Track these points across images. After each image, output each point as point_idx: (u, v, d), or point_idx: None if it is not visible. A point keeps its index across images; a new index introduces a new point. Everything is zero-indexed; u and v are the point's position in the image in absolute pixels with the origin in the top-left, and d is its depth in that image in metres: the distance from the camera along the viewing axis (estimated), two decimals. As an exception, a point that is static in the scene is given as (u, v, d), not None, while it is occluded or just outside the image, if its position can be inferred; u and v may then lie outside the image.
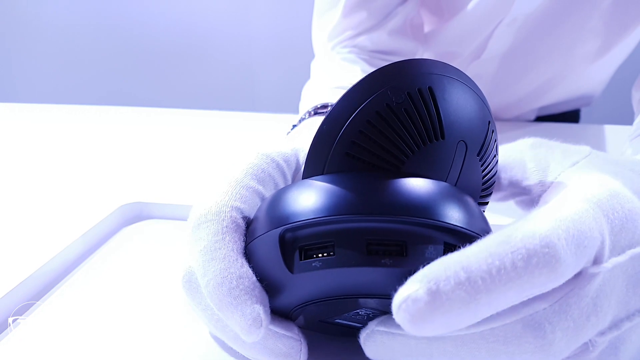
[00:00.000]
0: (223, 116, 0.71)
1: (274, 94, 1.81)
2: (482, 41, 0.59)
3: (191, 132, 0.63)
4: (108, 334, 0.26)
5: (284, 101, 1.40)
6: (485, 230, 0.19)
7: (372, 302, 0.19)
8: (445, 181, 0.20)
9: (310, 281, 0.18)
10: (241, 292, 0.19)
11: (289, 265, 0.18)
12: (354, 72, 0.52)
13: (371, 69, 0.54)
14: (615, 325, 0.19)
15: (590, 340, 0.18)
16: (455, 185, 0.21)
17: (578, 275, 0.18)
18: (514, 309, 0.17)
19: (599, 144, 0.56)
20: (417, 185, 0.18)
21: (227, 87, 1.83)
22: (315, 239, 0.18)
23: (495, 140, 0.23)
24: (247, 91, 1.83)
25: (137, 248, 0.35)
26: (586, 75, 0.63)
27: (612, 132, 0.59)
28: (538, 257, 0.16)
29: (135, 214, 0.40)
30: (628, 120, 0.50)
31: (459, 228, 0.18)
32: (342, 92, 0.47)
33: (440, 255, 0.17)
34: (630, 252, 0.19)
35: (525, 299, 0.16)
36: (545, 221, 0.17)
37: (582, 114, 0.74)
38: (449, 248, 0.18)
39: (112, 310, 0.28)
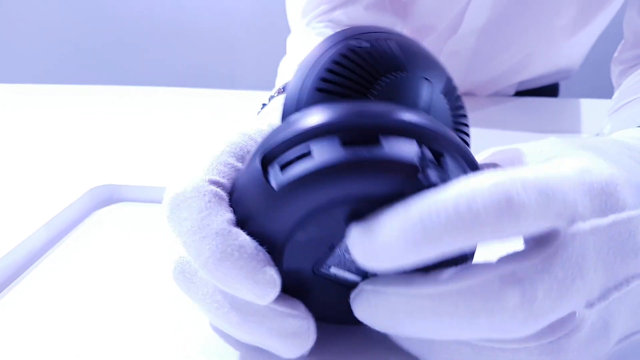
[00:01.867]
0: (200, 94, 0.70)
1: (253, 71, 1.78)
2: (458, 14, 0.58)
3: (166, 110, 0.61)
4: (79, 324, 0.25)
5: (263, 78, 1.38)
6: (454, 142, 0.19)
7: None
8: (419, 105, 0.23)
9: (295, 194, 0.18)
10: (247, 261, 0.18)
11: (272, 183, 0.18)
12: None
13: None
14: (603, 295, 0.18)
15: (578, 313, 0.18)
16: (429, 111, 0.23)
17: (557, 236, 0.17)
18: (491, 265, 0.17)
19: (576, 118, 0.56)
20: (385, 103, 0.20)
21: (205, 64, 1.80)
22: (291, 148, 0.19)
23: (459, 96, 0.25)
24: (225, 68, 1.80)
25: (109, 233, 0.34)
26: (565, 49, 0.63)
27: (590, 106, 0.60)
28: (484, 197, 0.16)
29: (106, 197, 0.39)
30: (606, 93, 0.50)
31: (429, 126, 0.19)
32: None
33: (415, 149, 0.18)
34: (612, 217, 0.18)
35: (480, 242, 0.16)
36: (505, 174, 0.17)
37: (561, 88, 0.74)
38: (421, 142, 0.18)
39: (83, 299, 0.27)
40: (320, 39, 0.53)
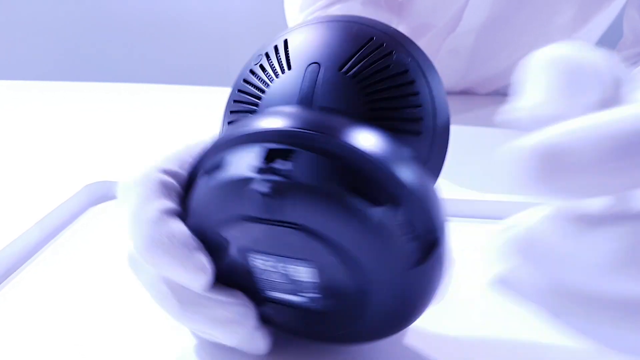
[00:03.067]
0: (195, 91, 0.69)
1: (250, 69, 1.77)
2: (457, 12, 0.58)
3: (163, 108, 0.61)
4: (73, 321, 0.25)
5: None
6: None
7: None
8: (298, 100, 0.21)
9: (208, 201, 0.19)
10: (177, 248, 0.19)
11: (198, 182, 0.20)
12: None
13: None
14: None
15: None
16: (312, 102, 0.21)
17: None
18: None
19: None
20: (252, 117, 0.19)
21: (202, 62, 1.79)
22: (209, 162, 0.19)
23: (389, 62, 0.22)
24: (222, 66, 1.80)
25: (104, 229, 0.34)
26: (564, 48, 0.63)
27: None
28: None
29: (102, 194, 0.39)
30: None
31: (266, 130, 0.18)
32: None
33: (250, 162, 0.17)
34: None
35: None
36: None
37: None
38: (269, 150, 0.18)
39: (77, 296, 0.27)
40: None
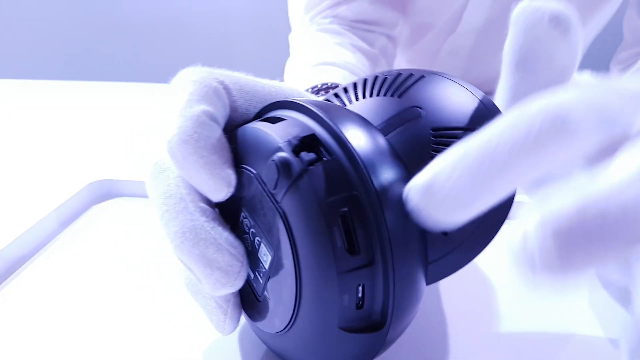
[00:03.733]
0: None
1: (250, 69, 1.77)
2: (457, 12, 0.58)
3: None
4: (75, 319, 0.25)
5: (261, 76, 1.38)
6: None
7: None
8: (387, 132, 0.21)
9: (246, 139, 0.20)
10: (209, 151, 0.19)
11: None
12: (334, 48, 0.51)
13: (358, 41, 0.53)
14: None
15: None
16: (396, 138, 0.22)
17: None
18: None
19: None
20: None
21: (204, 62, 1.79)
22: (276, 112, 0.20)
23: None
24: (223, 66, 1.80)
25: (107, 227, 0.34)
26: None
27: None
28: (540, 120, 0.14)
29: (105, 192, 0.39)
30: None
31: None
32: (324, 68, 0.47)
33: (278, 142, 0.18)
34: None
35: (546, 166, 0.15)
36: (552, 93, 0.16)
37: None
38: (314, 137, 0.18)
39: (79, 294, 0.27)
40: (323, 35, 0.53)
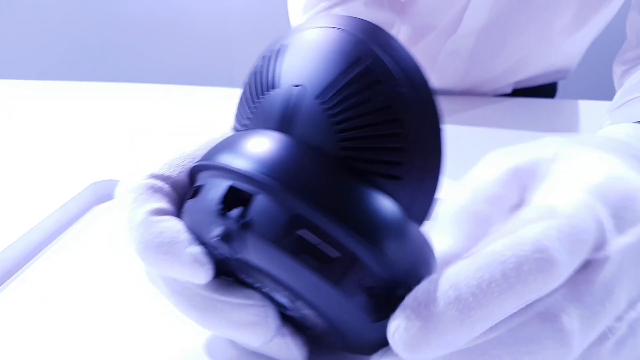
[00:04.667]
0: (200, 91, 0.70)
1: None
2: (457, 13, 0.58)
3: (166, 107, 0.62)
4: (77, 319, 0.26)
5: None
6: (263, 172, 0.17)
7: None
8: (280, 127, 0.19)
9: (190, 221, 0.20)
10: (168, 245, 0.19)
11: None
12: None
13: None
14: (630, 306, 0.18)
15: (608, 327, 0.18)
16: (291, 131, 0.19)
17: (586, 265, 0.17)
18: (528, 306, 0.17)
19: (575, 119, 0.56)
20: (227, 136, 0.20)
21: (205, 62, 1.80)
22: (197, 181, 0.21)
23: (371, 95, 0.18)
24: (225, 66, 1.80)
25: (109, 228, 0.34)
26: (563, 48, 0.63)
27: (588, 107, 0.60)
28: (530, 263, 0.16)
29: (107, 193, 0.39)
30: (604, 95, 0.50)
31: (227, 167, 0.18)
32: None
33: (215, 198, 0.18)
34: (636, 232, 0.18)
35: (524, 305, 0.16)
36: (536, 223, 0.17)
37: (560, 89, 0.74)
38: (232, 189, 0.18)
39: (81, 294, 0.28)
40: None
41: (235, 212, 0.17)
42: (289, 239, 0.17)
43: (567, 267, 0.16)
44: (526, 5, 0.57)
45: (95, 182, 0.38)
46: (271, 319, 0.20)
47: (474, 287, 0.15)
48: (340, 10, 0.55)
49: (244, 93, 0.21)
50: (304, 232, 0.17)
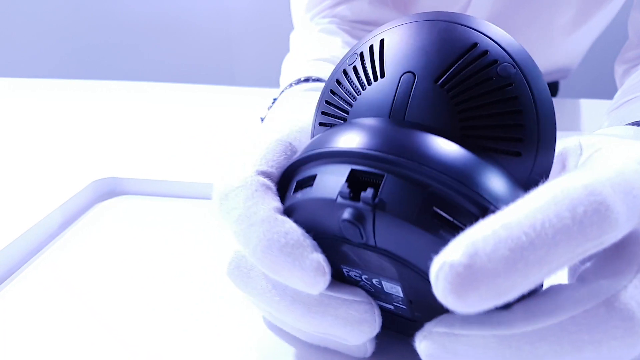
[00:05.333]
0: (201, 90, 0.70)
1: (253, 68, 1.78)
2: (459, 11, 0.58)
3: (168, 106, 0.62)
4: (79, 317, 0.26)
5: (263, 75, 1.38)
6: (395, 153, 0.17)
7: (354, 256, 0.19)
8: (391, 113, 0.19)
9: (301, 214, 0.19)
10: (293, 247, 0.18)
11: (286, 198, 0.20)
12: (333, 44, 0.51)
13: (353, 41, 0.53)
14: None
15: None
16: (405, 116, 0.19)
17: (638, 240, 0.16)
18: (592, 292, 0.16)
19: (576, 118, 0.56)
20: (345, 127, 0.19)
21: (206, 60, 1.80)
22: (302, 174, 0.19)
23: (491, 74, 0.19)
24: (225, 64, 1.80)
25: (111, 225, 0.34)
26: (564, 47, 0.63)
27: (590, 106, 0.60)
28: (584, 205, 0.15)
29: (109, 190, 0.39)
30: (606, 94, 0.50)
31: (355, 151, 0.18)
32: (320, 64, 0.47)
33: (341, 182, 0.17)
34: None
35: (580, 256, 0.15)
36: (587, 172, 0.16)
37: (561, 88, 0.74)
38: (353, 173, 0.17)
39: (83, 292, 0.28)
40: (323, 35, 0.53)
41: (367, 193, 0.17)
42: (426, 216, 0.16)
43: (621, 215, 0.15)
44: (527, 4, 0.57)
45: (98, 179, 0.38)
46: (377, 315, 0.20)
47: (527, 226, 0.14)
48: (344, 9, 0.55)
49: (333, 89, 0.21)
50: (439, 209, 0.16)
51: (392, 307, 0.21)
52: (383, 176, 0.17)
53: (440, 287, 0.14)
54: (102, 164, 0.43)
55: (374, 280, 0.20)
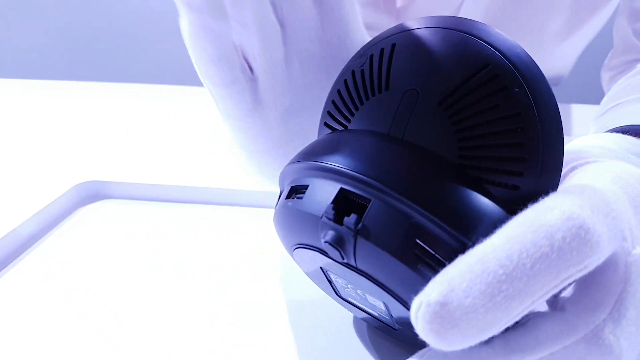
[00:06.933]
0: (187, 92, 0.69)
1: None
2: (453, 14, 0.58)
3: (152, 107, 0.61)
4: (60, 322, 0.25)
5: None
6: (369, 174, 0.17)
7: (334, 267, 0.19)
8: (390, 130, 0.19)
9: (291, 221, 0.19)
10: None
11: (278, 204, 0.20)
12: None
13: None
14: None
15: None
16: (403, 134, 0.18)
17: (618, 267, 0.16)
18: (570, 327, 0.16)
19: (567, 123, 0.56)
20: (329, 138, 0.20)
21: (191, 61, 1.78)
22: (297, 180, 0.20)
23: (499, 101, 0.18)
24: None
25: (94, 230, 0.33)
26: (555, 54, 0.63)
27: (581, 112, 0.60)
28: (563, 231, 0.14)
29: (92, 194, 0.38)
30: (597, 99, 0.50)
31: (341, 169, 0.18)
32: None
33: (328, 199, 0.17)
34: None
35: (565, 282, 0.15)
36: (563, 196, 0.16)
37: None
38: (343, 192, 0.17)
39: (64, 299, 0.27)
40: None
41: (351, 218, 0.17)
42: (407, 248, 0.16)
43: (604, 238, 0.15)
44: (520, 10, 0.57)
45: (81, 183, 0.37)
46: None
47: (504, 258, 0.14)
48: None
49: (340, 90, 0.21)
50: (421, 241, 0.16)
51: (376, 314, 0.21)
52: (370, 200, 0.17)
53: (420, 326, 0.14)
54: (85, 166, 0.41)
55: (358, 291, 0.20)
